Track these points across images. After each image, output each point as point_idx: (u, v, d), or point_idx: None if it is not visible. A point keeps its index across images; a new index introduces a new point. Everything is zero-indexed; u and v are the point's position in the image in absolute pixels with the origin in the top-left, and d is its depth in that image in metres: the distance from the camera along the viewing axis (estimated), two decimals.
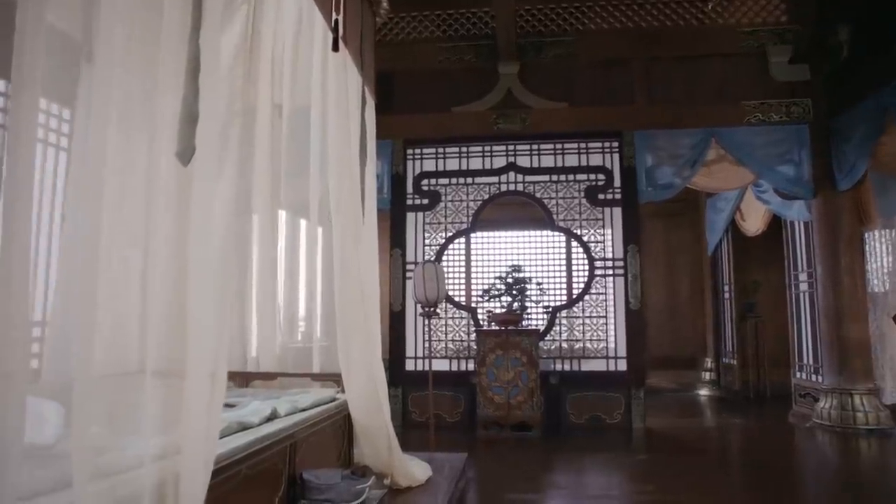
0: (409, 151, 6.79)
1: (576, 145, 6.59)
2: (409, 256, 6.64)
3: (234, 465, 2.05)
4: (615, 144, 6.50)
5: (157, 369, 1.94)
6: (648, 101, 6.54)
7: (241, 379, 3.85)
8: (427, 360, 5.21)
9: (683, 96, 6.53)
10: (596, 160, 6.56)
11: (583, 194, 6.54)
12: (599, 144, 6.56)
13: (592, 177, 6.54)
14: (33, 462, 1.55)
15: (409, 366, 6.50)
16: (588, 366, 6.33)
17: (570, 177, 6.59)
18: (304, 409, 2.90)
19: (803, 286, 6.88)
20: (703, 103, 6.41)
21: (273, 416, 2.59)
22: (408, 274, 6.48)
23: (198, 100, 1.37)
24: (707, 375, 9.01)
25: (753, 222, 7.88)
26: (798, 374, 6.84)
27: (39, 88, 1.08)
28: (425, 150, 6.79)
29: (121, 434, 1.57)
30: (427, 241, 6.74)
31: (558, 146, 6.62)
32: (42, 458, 1.56)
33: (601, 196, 6.50)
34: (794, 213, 6.71)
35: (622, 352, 6.26)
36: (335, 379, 3.51)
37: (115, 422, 1.62)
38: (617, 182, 6.46)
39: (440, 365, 6.43)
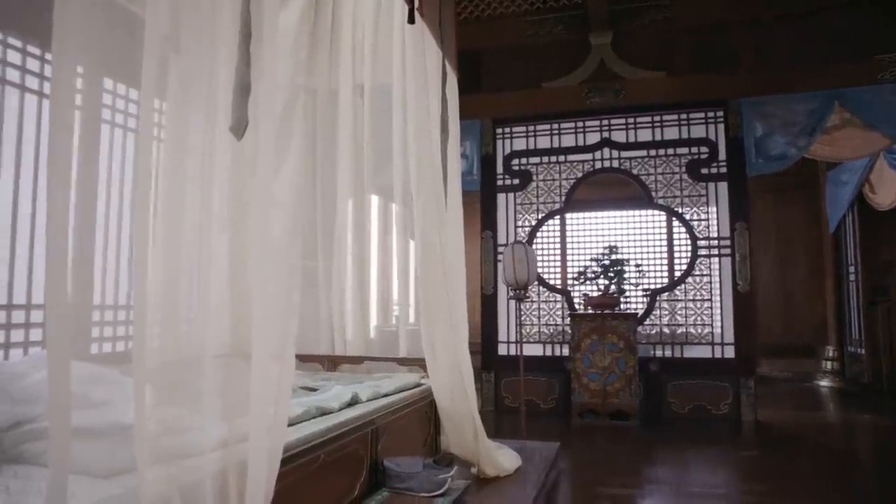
0: (499, 131, 6.61)
1: (675, 117, 6.15)
2: (501, 239, 6.50)
3: (311, 450, 2.02)
4: (719, 114, 5.99)
5: (228, 353, 1.93)
6: (756, 65, 5.97)
7: (329, 363, 3.90)
8: (519, 345, 5.06)
9: (797, 57, 5.90)
10: (698, 132, 6.09)
11: (684, 169, 6.10)
12: (702, 115, 6.07)
13: (694, 150, 6.08)
14: (115, 441, 1.57)
15: (502, 350, 6.38)
16: (691, 352, 5.93)
17: (670, 151, 6.15)
18: (386, 395, 2.85)
19: None
20: (823, 62, 5.74)
21: (354, 402, 2.55)
22: (499, 257, 6.33)
23: (250, 69, 1.30)
24: (828, 365, 8.23)
25: (886, 195, 7.02)
26: None
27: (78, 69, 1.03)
28: (515, 129, 6.59)
29: (189, 419, 1.55)
30: (519, 223, 6.56)
31: (656, 119, 6.20)
32: (124, 438, 1.57)
33: (704, 170, 6.03)
34: None
35: (729, 338, 5.81)
36: (421, 364, 3.45)
37: (184, 406, 1.61)
38: (722, 155, 5.96)
39: (533, 350, 6.27)
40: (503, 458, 3.28)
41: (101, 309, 3.47)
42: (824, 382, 8.07)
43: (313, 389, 2.77)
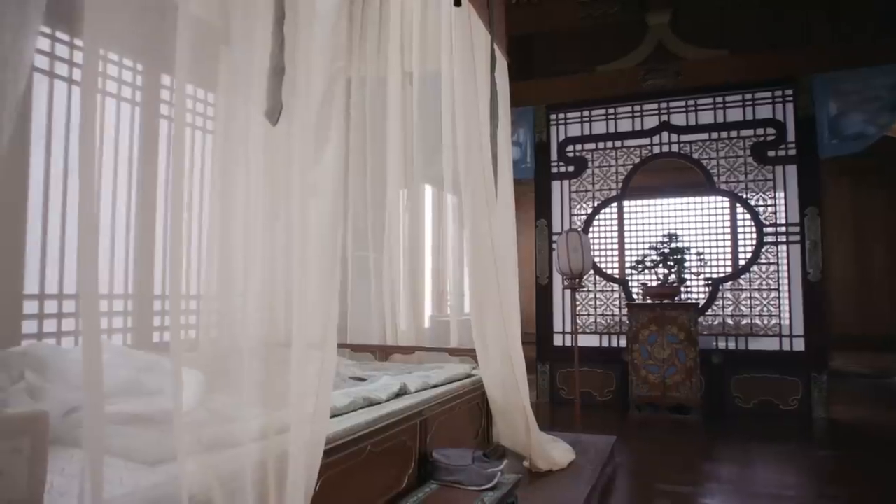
0: (552, 117, 6.46)
1: (739, 97, 5.84)
2: (556, 227, 6.37)
3: (357, 441, 2.00)
4: (788, 93, 5.65)
5: (275, 343, 1.93)
6: (831, 39, 5.58)
7: (380, 353, 3.90)
8: (574, 336, 4.94)
9: (878, 28, 5.48)
10: (764, 112, 5.77)
11: (748, 152, 5.79)
12: (768, 94, 5.75)
13: (760, 131, 5.76)
14: (164, 429, 1.59)
15: (557, 341, 6.27)
16: (757, 344, 5.65)
17: (733, 133, 5.86)
18: (435, 386, 2.82)
19: None
20: None
21: (402, 392, 2.52)
22: (553, 245, 6.20)
23: (283, 52, 1.27)
24: None
25: None
26: None
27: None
28: (569, 115, 6.42)
29: (234, 408, 1.55)
30: (574, 211, 6.41)
31: (718, 100, 5.91)
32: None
33: (771, 153, 5.71)
34: None
35: (798, 329, 5.50)
36: (473, 354, 3.40)
37: (228, 395, 1.61)
38: (791, 136, 5.63)
39: (589, 340, 6.14)
40: (556, 451, 3.21)
41: (162, 299, 3.57)
42: None
43: (362, 379, 2.76)
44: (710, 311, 5.84)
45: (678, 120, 6.04)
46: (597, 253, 6.38)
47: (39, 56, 2.87)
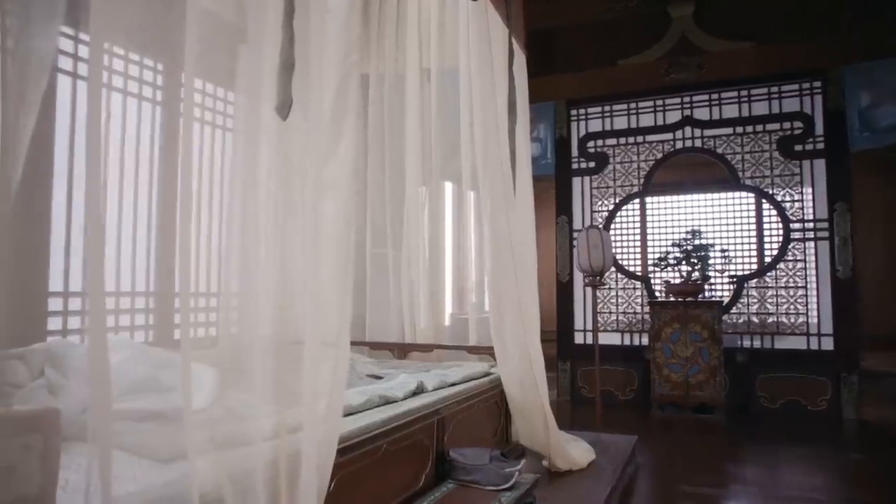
0: (573, 112, 6.39)
1: (765, 90, 5.71)
2: (577, 224, 6.30)
3: (373, 439, 1.99)
4: (816, 84, 5.51)
5: (288, 341, 1.92)
6: (863, 27, 5.41)
7: (399, 350, 3.88)
8: (594, 333, 4.88)
9: None
10: (790, 105, 5.63)
11: (774, 147, 5.66)
12: (795, 87, 5.61)
13: (787, 125, 5.63)
14: (179, 426, 1.59)
15: (578, 339, 6.21)
16: (783, 343, 5.53)
17: (759, 127, 5.73)
18: (453, 384, 2.79)
19: None
20: None
21: (419, 391, 2.50)
22: (574, 243, 6.13)
23: (293, 46, 1.25)
24: None
25: None
26: None
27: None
28: (590, 110, 6.35)
29: (248, 406, 1.54)
30: (595, 208, 6.34)
31: (743, 93, 5.78)
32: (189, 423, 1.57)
33: (798, 147, 5.57)
34: None
35: (827, 328, 5.37)
36: (492, 352, 3.36)
37: (241, 393, 1.60)
38: (819, 129, 5.49)
39: (611, 339, 6.07)
40: (576, 451, 3.16)
41: (182, 296, 3.58)
42: None
43: (379, 377, 2.75)
44: (734, 309, 5.73)
45: (701, 114, 5.93)
46: (618, 250, 6.30)
47: (63, 57, 2.90)
